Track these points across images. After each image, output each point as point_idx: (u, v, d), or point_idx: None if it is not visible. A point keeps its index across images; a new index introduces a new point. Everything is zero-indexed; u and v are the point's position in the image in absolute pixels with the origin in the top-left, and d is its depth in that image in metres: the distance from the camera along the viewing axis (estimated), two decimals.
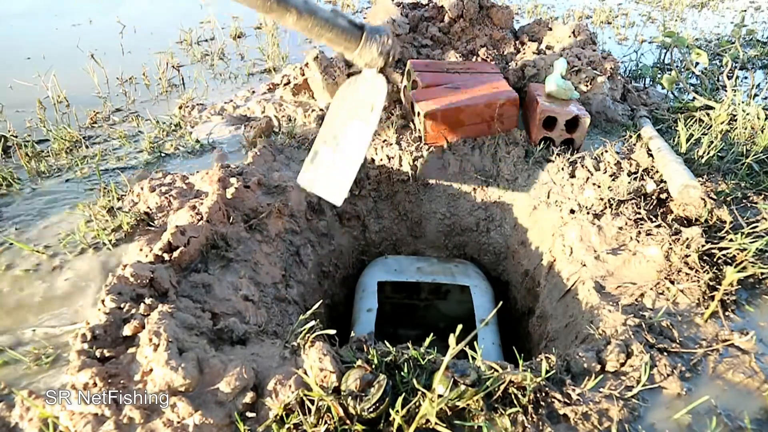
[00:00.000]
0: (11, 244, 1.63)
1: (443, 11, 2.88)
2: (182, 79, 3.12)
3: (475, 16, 2.86)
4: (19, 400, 1.07)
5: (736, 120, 2.36)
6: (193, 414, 1.00)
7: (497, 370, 1.12)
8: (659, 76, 3.15)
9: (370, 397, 0.99)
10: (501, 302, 1.22)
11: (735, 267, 1.44)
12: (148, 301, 1.23)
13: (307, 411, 1.02)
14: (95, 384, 1.03)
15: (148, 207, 1.76)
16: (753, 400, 1.15)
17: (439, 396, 0.99)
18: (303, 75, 2.63)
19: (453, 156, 2.21)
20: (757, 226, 1.63)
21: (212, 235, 1.53)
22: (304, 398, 1.03)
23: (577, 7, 5.36)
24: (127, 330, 1.16)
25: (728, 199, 1.85)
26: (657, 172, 1.96)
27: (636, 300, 1.44)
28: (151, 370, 1.06)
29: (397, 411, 0.99)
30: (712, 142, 2.13)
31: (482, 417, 1.03)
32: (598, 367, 1.20)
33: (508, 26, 2.96)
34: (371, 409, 0.98)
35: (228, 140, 2.33)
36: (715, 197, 1.78)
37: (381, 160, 2.21)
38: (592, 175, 1.97)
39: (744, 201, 1.86)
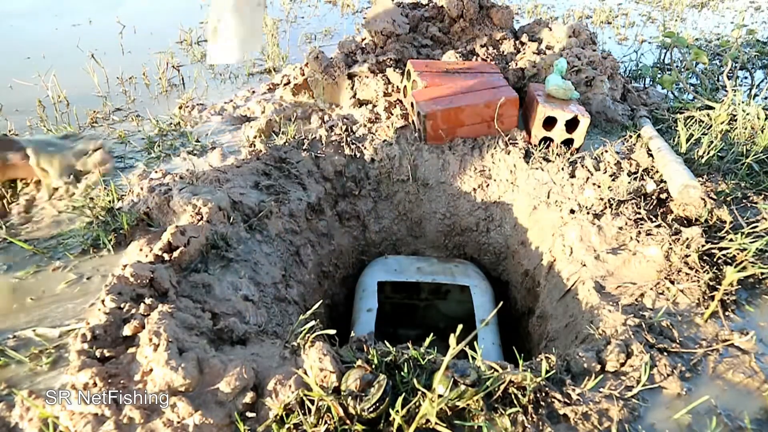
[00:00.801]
0: (10, 242, 1.63)
1: (443, 11, 2.88)
2: (182, 79, 3.12)
3: (475, 16, 2.86)
4: (19, 400, 1.07)
5: (736, 120, 2.36)
6: (193, 414, 1.00)
7: (497, 370, 1.11)
8: (659, 76, 3.15)
9: (370, 397, 0.99)
10: (501, 302, 1.22)
11: (735, 267, 1.44)
12: (148, 301, 1.23)
13: (307, 411, 1.02)
14: (95, 384, 1.03)
15: (148, 207, 1.76)
16: (753, 400, 1.15)
17: (439, 396, 0.99)
18: (303, 75, 2.63)
19: (453, 156, 2.22)
20: (757, 226, 1.62)
21: (212, 235, 1.53)
22: (304, 398, 1.03)
23: (577, 7, 5.36)
24: (127, 330, 1.16)
25: (728, 199, 1.85)
26: (657, 172, 1.96)
27: (636, 300, 1.44)
28: (151, 370, 1.06)
29: (397, 411, 0.99)
30: (712, 142, 2.13)
31: (482, 417, 1.03)
32: (598, 367, 1.20)
33: (508, 26, 2.96)
34: (371, 409, 0.98)
35: (228, 140, 2.33)
36: (715, 197, 1.78)
37: (381, 160, 2.21)
38: (592, 175, 1.97)
39: (744, 201, 1.86)
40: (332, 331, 1.17)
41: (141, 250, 1.51)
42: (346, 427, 0.99)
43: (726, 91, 2.65)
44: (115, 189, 1.85)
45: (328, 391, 1.03)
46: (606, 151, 2.09)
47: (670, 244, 1.55)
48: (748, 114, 2.34)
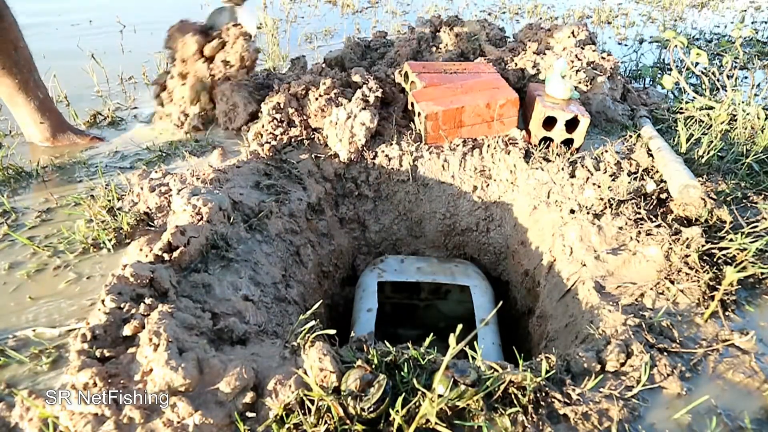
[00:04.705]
0: (13, 239, 1.63)
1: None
2: None
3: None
4: (19, 400, 1.07)
5: (736, 120, 2.36)
6: (193, 414, 1.00)
7: (497, 370, 1.12)
8: (659, 76, 3.15)
9: (370, 397, 0.99)
10: (501, 302, 1.22)
11: (735, 267, 1.44)
12: (148, 301, 1.23)
13: (307, 411, 1.02)
14: (95, 384, 1.03)
15: (148, 207, 1.76)
16: (753, 400, 1.15)
17: (439, 396, 0.99)
18: None
19: (453, 156, 2.21)
20: (757, 226, 1.63)
21: (212, 235, 1.53)
22: (304, 398, 1.03)
23: (577, 7, 5.36)
24: (127, 330, 1.16)
25: (728, 199, 1.85)
26: (657, 172, 1.96)
27: (636, 300, 1.44)
28: (151, 370, 1.06)
29: (397, 411, 0.99)
30: (712, 142, 2.13)
31: (482, 417, 1.03)
32: (598, 367, 1.20)
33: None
34: (371, 409, 0.98)
35: (228, 140, 2.33)
36: (715, 197, 1.78)
37: (381, 160, 2.21)
38: (592, 175, 1.97)
39: (744, 201, 1.86)
40: (332, 331, 1.17)
41: (141, 249, 1.51)
42: (346, 427, 0.99)
43: (726, 91, 2.65)
44: (115, 189, 1.85)
45: (328, 391, 1.03)
46: (606, 151, 2.09)
47: (670, 244, 1.56)
48: (748, 114, 2.34)
